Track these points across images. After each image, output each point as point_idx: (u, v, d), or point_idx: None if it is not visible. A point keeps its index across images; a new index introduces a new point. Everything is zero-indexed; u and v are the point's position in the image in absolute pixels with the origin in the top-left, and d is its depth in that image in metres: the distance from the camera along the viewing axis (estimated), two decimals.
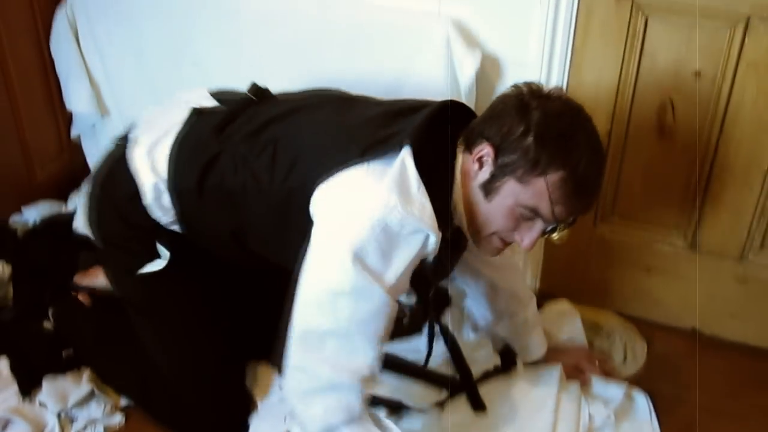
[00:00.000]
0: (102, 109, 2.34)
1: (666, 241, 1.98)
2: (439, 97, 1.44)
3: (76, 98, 2.31)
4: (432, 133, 1.32)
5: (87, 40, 2.25)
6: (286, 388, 1.36)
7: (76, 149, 2.45)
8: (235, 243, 1.52)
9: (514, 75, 1.88)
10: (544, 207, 1.28)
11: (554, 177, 1.26)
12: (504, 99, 1.33)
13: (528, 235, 1.33)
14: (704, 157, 1.83)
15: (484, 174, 1.31)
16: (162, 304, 1.63)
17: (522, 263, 2.03)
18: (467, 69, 1.83)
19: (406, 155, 1.27)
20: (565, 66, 1.83)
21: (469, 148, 1.34)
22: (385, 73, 1.91)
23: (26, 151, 2.28)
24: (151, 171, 1.50)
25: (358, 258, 1.23)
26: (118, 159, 1.57)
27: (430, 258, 1.32)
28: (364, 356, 1.28)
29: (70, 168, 2.44)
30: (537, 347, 1.80)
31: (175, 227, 1.55)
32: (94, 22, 2.22)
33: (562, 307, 2.03)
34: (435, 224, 1.26)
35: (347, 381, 1.28)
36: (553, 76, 1.85)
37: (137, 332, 1.68)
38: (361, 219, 1.24)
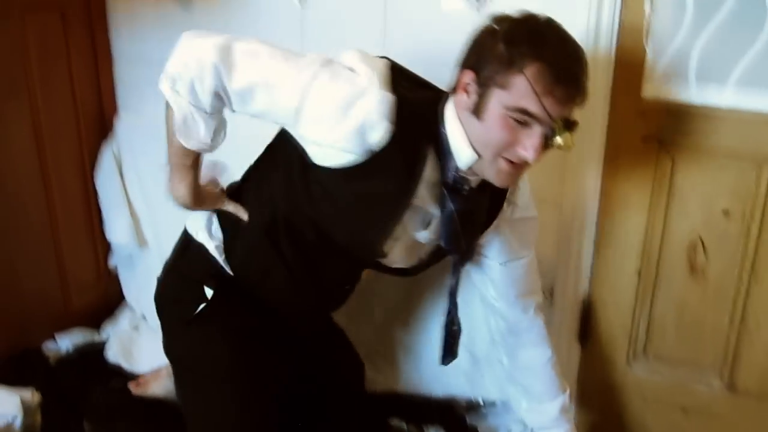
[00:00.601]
0: (141, 241, 2.40)
1: (702, 381, 1.95)
2: None
3: (117, 229, 2.38)
4: (412, 79, 1.46)
5: (131, 175, 2.35)
6: None
7: (112, 279, 2.49)
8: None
9: (545, 210, 1.85)
10: (533, 104, 1.28)
11: (532, 69, 1.27)
12: (474, 33, 1.38)
13: (529, 143, 1.31)
14: (737, 295, 1.82)
15: (473, 98, 1.34)
16: (208, 364, 1.62)
17: None
18: None
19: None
20: (594, 204, 1.87)
21: (456, 89, 1.39)
22: None
23: (64, 278, 2.33)
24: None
25: (327, 61, 1.38)
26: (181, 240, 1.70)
27: (376, 144, 1.33)
28: (246, 67, 1.38)
29: (105, 297, 2.48)
30: None
31: (221, 260, 1.60)
32: (139, 158, 2.33)
33: None
34: (384, 87, 1.33)
35: (218, 51, 1.37)
36: (584, 217, 1.88)
37: (179, 396, 1.67)
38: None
